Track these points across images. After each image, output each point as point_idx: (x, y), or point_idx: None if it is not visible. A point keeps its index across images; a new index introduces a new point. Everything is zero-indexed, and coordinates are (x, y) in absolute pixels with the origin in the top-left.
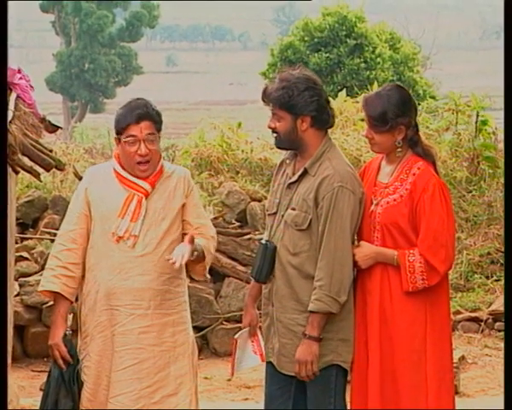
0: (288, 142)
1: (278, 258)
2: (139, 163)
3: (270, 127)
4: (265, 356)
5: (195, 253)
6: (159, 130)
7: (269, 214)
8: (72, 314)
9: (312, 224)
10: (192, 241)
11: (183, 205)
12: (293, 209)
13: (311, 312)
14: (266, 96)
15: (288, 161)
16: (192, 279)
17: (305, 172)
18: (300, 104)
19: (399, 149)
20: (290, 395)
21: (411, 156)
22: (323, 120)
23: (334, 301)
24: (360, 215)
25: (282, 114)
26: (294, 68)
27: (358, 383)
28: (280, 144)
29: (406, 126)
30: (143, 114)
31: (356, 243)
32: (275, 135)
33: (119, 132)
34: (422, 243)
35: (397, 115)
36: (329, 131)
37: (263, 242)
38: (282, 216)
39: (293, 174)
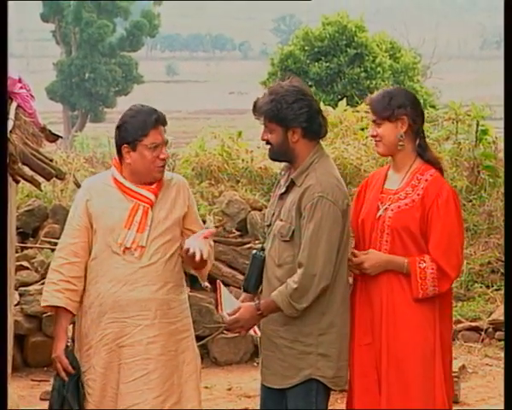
0: (281, 153)
1: (266, 269)
2: (161, 167)
3: (263, 139)
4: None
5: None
6: None
7: (266, 225)
8: (72, 325)
9: (295, 235)
10: (207, 237)
11: (185, 214)
12: (281, 220)
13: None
14: (256, 110)
15: (282, 173)
16: (192, 288)
17: (293, 183)
18: (290, 117)
19: (401, 144)
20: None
21: (421, 164)
22: (314, 130)
23: (290, 305)
24: (346, 227)
25: (272, 126)
26: (284, 79)
27: (363, 388)
28: (273, 156)
29: (408, 117)
30: (161, 118)
31: (351, 249)
32: (269, 147)
33: (135, 140)
34: (436, 248)
35: (399, 103)
36: (329, 140)
37: (253, 252)
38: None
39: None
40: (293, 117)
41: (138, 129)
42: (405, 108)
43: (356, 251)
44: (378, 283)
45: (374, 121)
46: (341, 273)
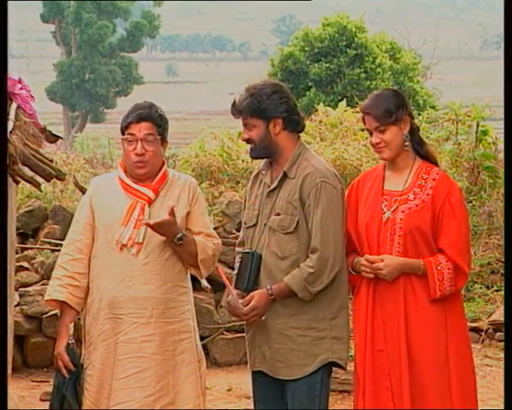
0: (263, 149)
1: (265, 266)
2: (136, 162)
3: (243, 140)
4: (251, 365)
5: (179, 235)
6: (161, 134)
7: (247, 227)
8: (72, 323)
9: (299, 225)
10: (171, 213)
11: (188, 213)
12: (278, 214)
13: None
14: (236, 109)
15: (263, 172)
16: (192, 289)
17: (285, 177)
18: (270, 107)
19: (407, 144)
20: (284, 401)
21: (422, 163)
22: (294, 121)
23: (304, 288)
24: (345, 210)
25: (253, 121)
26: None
27: (374, 396)
28: (255, 154)
29: (409, 115)
30: (144, 114)
31: (349, 252)
32: (250, 146)
33: (122, 132)
34: (453, 246)
35: (398, 106)
36: (329, 140)
37: (247, 251)
38: (265, 225)
39: (272, 182)
40: (273, 107)
41: (123, 121)
42: (403, 108)
43: (370, 257)
44: (394, 287)
45: (376, 128)
46: (344, 257)
